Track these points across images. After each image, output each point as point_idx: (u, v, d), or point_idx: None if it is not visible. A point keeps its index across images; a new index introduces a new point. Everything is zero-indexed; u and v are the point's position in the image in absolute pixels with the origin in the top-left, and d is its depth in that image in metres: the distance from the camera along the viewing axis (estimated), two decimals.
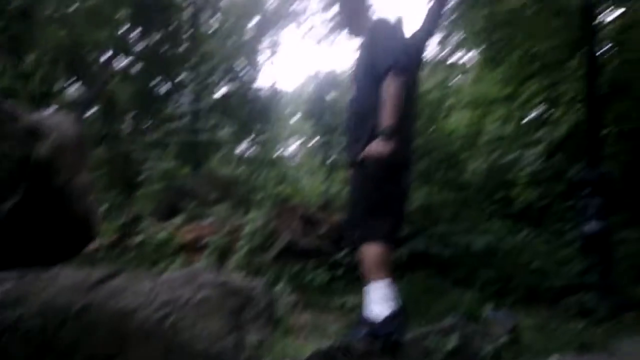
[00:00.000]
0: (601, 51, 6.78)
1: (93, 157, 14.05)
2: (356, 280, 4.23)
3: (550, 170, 7.57)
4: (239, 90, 16.78)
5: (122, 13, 15.58)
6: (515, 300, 4.00)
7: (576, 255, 4.61)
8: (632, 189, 6.60)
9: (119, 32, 15.27)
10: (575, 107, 7.12)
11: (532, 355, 2.97)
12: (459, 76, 17.16)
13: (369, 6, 3.17)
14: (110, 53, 16.29)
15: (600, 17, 8.21)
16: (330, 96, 8.80)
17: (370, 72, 2.87)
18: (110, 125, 15.45)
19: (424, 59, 6.92)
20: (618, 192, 6.41)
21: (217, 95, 14.95)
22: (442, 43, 16.50)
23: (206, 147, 11.49)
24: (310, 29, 17.54)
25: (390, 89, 2.76)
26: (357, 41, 3.27)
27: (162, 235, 5.51)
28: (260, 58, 19.42)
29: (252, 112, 16.19)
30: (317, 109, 8.59)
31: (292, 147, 23.29)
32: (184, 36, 16.36)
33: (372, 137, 2.81)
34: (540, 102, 8.36)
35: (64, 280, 2.45)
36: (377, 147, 2.73)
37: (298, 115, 17.94)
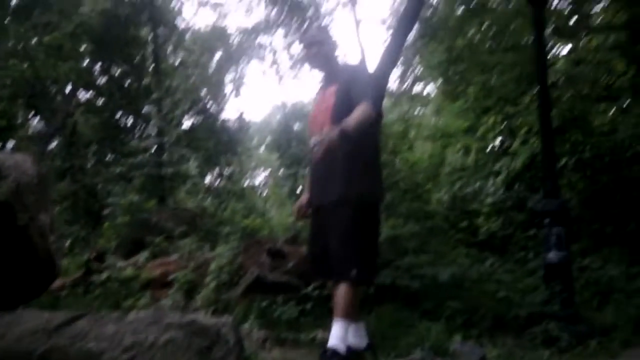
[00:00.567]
0: (553, 85, 7.08)
1: (56, 190, 13.81)
2: (326, 314, 4.23)
3: (511, 200, 7.77)
4: (204, 123, 16.79)
5: (84, 47, 15.52)
6: (481, 331, 4.04)
7: (540, 284, 4.70)
8: (590, 217, 6.81)
9: (81, 66, 15.18)
10: (531, 140, 7.36)
11: None
12: (421, 108, 17.62)
13: (337, 47, 3.26)
14: (72, 86, 16.15)
15: (551, 53, 8.60)
16: (297, 127, 8.87)
17: (347, 114, 2.87)
18: (73, 158, 15.23)
19: (385, 94, 7.09)
20: (577, 221, 6.61)
21: (183, 127, 14.91)
22: (402, 76, 17.03)
23: (172, 180, 11.41)
24: (274, 62, 17.86)
25: (361, 108, 2.85)
26: (321, 75, 3.29)
27: (127, 271, 5.41)
28: (226, 90, 19.59)
29: (218, 144, 16.21)
30: (284, 140, 8.66)
31: (259, 178, 23.31)
32: (148, 70, 16.37)
33: (345, 180, 2.87)
34: (498, 134, 8.61)
35: (26, 323, 2.40)
36: (331, 133, 2.74)
37: (264, 147, 18.00)
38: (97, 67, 16.52)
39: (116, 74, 16.59)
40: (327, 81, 3.16)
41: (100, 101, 17.07)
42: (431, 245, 5.43)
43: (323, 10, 15.86)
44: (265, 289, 4.99)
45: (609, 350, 3.85)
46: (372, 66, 7.29)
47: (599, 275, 5.37)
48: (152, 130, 11.36)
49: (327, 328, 2.95)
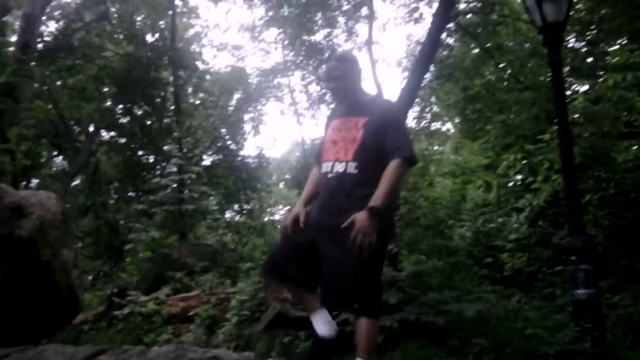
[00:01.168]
0: (573, 123, 7.06)
1: (79, 226, 13.98)
2: (349, 350, 4.15)
3: (535, 237, 7.65)
4: (224, 160, 16.99)
5: (107, 89, 15.93)
6: None
7: (568, 321, 4.57)
8: (617, 254, 6.67)
9: (104, 107, 15.55)
10: (553, 176, 7.30)
11: None
12: (439, 146, 17.67)
13: (361, 74, 3.24)
14: (94, 126, 16.52)
15: (569, 91, 8.61)
16: None
17: (374, 149, 2.84)
18: (95, 196, 15.47)
19: None
20: (604, 257, 6.47)
21: (203, 165, 15.09)
22: (420, 114, 17.18)
23: (192, 217, 11.47)
24: (293, 102, 18.14)
25: (396, 173, 2.77)
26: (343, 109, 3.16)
27: (149, 306, 5.40)
28: (245, 129, 19.85)
29: (238, 181, 16.36)
30: (303, 177, 8.67)
31: (279, 214, 23.31)
32: (169, 110, 16.72)
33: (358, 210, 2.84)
34: (519, 171, 8.56)
35: (49, 358, 2.38)
36: (364, 220, 2.65)
37: (284, 183, 18.08)
38: (120, 107, 16.92)
39: (138, 114, 16.96)
40: (352, 109, 3.03)
41: (122, 140, 17.42)
42: (455, 281, 5.35)
43: (339, 51, 16.15)
44: (287, 324, 4.94)
45: None
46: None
47: (629, 312, 5.21)
48: (172, 167, 11.48)
49: None
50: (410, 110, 9.83)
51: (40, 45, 14.26)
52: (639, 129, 7.36)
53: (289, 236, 2.92)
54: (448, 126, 19.68)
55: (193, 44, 19.51)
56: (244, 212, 17.00)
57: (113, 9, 15.77)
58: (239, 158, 17.57)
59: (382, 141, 2.85)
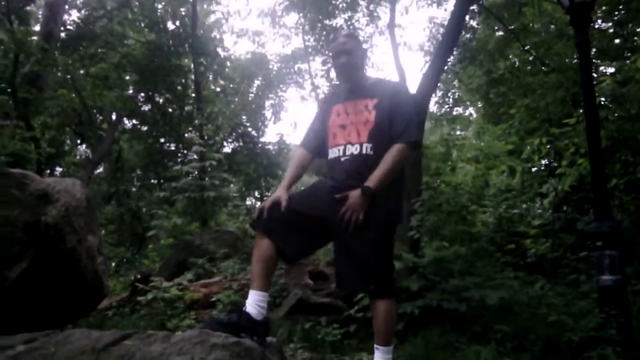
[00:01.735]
0: (599, 106, 6.91)
1: (102, 214, 14.20)
2: (369, 337, 4.16)
3: (559, 222, 7.55)
4: (244, 147, 17.04)
5: (129, 77, 16.05)
6: (533, 355, 3.89)
7: (593, 308, 4.51)
8: None
9: (126, 95, 15.68)
10: (579, 161, 7.17)
11: None
12: (462, 131, 17.48)
13: (366, 57, 3.19)
14: (117, 115, 16.69)
15: (596, 73, 8.42)
16: None
17: (387, 131, 2.82)
18: (118, 183, 15.68)
19: (426, 117, 7.09)
20: (630, 243, 6.36)
21: (224, 152, 15.15)
22: (442, 99, 16.99)
23: (213, 204, 11.55)
24: (314, 88, 18.07)
25: (397, 156, 2.77)
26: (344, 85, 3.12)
27: (172, 292, 5.46)
28: (265, 115, 19.88)
29: (259, 167, 16.41)
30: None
31: None
32: (190, 97, 16.79)
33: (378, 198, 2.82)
34: (543, 156, 8.42)
35: (74, 343, 2.41)
36: (355, 198, 2.67)
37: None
38: (141, 95, 17.05)
39: (159, 102, 17.07)
40: (358, 92, 2.99)
41: (144, 128, 17.57)
42: (477, 268, 5.31)
43: (361, 36, 16.03)
44: (308, 310, 4.96)
45: None
46: (412, 90, 7.31)
47: None
48: (193, 155, 11.55)
49: (372, 351, 2.86)
50: (433, 95, 9.70)
51: (63, 34, 14.41)
52: None
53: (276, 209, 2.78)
54: (470, 111, 19.48)
55: (214, 30, 19.52)
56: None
57: None
58: (260, 145, 17.61)
59: (391, 125, 2.83)
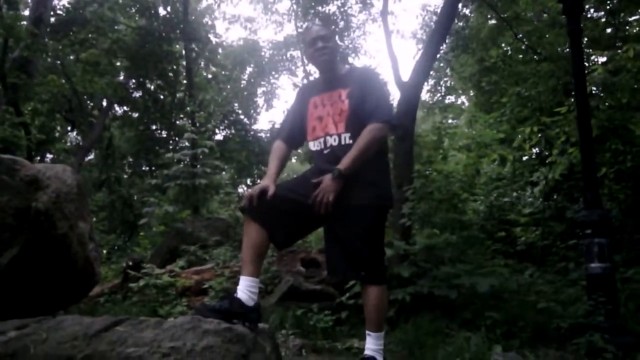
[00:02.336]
0: (591, 95, 6.94)
1: (93, 201, 14.14)
2: (361, 324, 4.19)
3: (550, 211, 7.61)
4: (236, 134, 16.99)
5: (120, 63, 15.92)
6: (522, 341, 3.93)
7: (582, 295, 4.56)
8: (632, 228, 6.61)
9: (117, 81, 15.56)
10: (569, 150, 7.21)
11: None
12: (454, 119, 17.49)
13: (339, 48, 3.16)
14: (108, 101, 16.57)
15: (587, 62, 8.44)
16: None
17: (363, 117, 2.80)
18: (109, 170, 15.60)
19: (418, 105, 7.09)
20: (619, 231, 6.42)
21: (215, 139, 15.09)
22: (434, 87, 17.00)
23: (205, 191, 11.51)
24: (306, 75, 17.99)
25: (368, 136, 2.75)
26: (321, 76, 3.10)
27: (164, 279, 5.46)
28: (257, 103, 19.80)
29: (251, 155, 16.38)
30: None
31: None
32: (181, 84, 16.69)
33: (369, 184, 2.83)
34: (534, 144, 8.46)
35: (66, 329, 2.40)
36: (327, 181, 2.67)
37: (296, 158, 18.03)
38: (132, 82, 16.93)
39: (151, 89, 16.95)
40: (332, 83, 2.98)
41: (135, 115, 17.46)
42: (468, 255, 5.34)
43: (354, 23, 15.97)
44: (300, 297, 4.99)
45: None
46: (404, 78, 7.31)
47: None
48: (185, 142, 11.51)
49: (363, 337, 2.89)
50: (425, 83, 9.68)
51: (53, 19, 14.24)
52: None
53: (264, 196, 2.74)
54: (463, 99, 19.50)
55: (205, 16, 19.35)
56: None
57: None
58: (252, 132, 17.57)
59: (365, 110, 2.83)
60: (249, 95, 19.36)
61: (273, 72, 19.36)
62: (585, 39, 8.76)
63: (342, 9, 14.93)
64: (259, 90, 19.74)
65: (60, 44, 13.64)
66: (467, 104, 18.41)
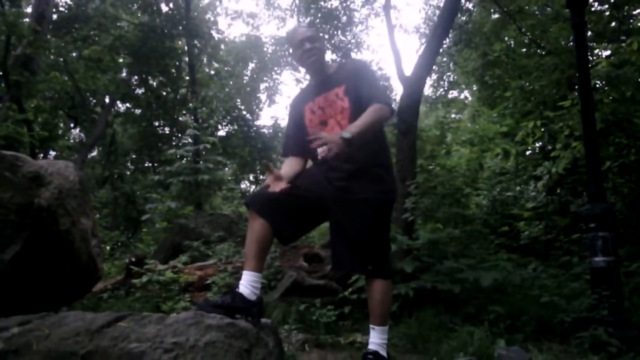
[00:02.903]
0: (594, 88, 6.92)
1: (96, 198, 14.17)
2: (364, 318, 4.18)
3: (553, 205, 7.59)
4: (239, 130, 16.99)
5: (122, 59, 15.92)
6: (526, 336, 3.93)
7: (585, 289, 4.55)
8: (636, 222, 6.59)
9: (120, 78, 15.56)
10: (573, 144, 7.18)
11: None
12: (457, 114, 17.47)
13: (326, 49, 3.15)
14: (110, 98, 16.58)
15: (591, 56, 8.41)
16: None
17: (361, 112, 2.74)
18: (112, 167, 15.63)
19: (421, 100, 7.06)
20: (623, 225, 6.40)
21: (218, 135, 15.10)
22: (437, 82, 16.95)
23: (208, 187, 11.53)
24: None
25: (378, 114, 2.70)
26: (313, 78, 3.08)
27: (167, 275, 5.46)
28: (260, 98, 19.79)
29: (253, 151, 16.38)
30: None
31: None
32: (184, 80, 16.69)
33: (377, 178, 2.82)
34: (538, 138, 8.44)
35: (68, 325, 2.41)
36: (335, 139, 2.52)
37: None
38: (135, 78, 16.93)
39: (153, 85, 16.95)
40: (325, 85, 2.96)
41: (138, 111, 17.47)
42: (471, 250, 5.33)
43: (356, 18, 15.93)
44: (303, 292, 4.98)
45: None
46: (407, 72, 7.28)
47: None
48: (188, 138, 11.51)
49: (366, 331, 2.88)
50: (428, 78, 9.65)
51: (55, 16, 14.23)
52: None
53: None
54: (466, 94, 19.46)
55: (207, 12, 19.34)
56: (260, 182, 17.06)
57: None
58: (254, 128, 17.56)
59: (364, 104, 2.80)
60: (252, 91, 19.35)
61: (275, 68, 19.35)
62: (589, 33, 8.71)
63: (344, 4, 14.88)
64: (262, 86, 19.75)
65: (63, 41, 13.62)
66: (470, 98, 18.38)
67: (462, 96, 19.32)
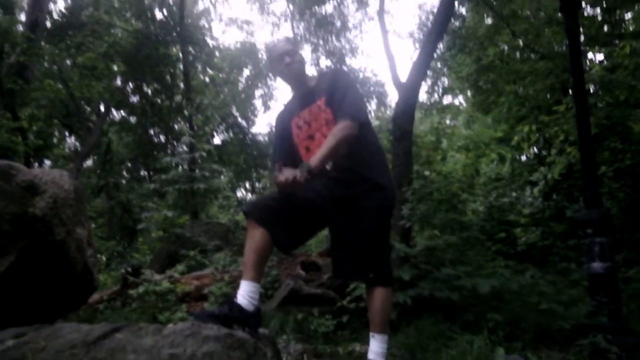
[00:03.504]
0: (589, 93, 6.93)
1: (92, 207, 14.09)
2: (362, 327, 4.16)
3: (549, 210, 7.60)
4: (234, 138, 16.97)
5: (117, 67, 15.89)
6: (525, 343, 3.91)
7: (584, 296, 4.54)
8: (632, 227, 6.60)
9: (114, 85, 15.53)
10: (568, 149, 7.20)
11: None
12: (452, 120, 17.51)
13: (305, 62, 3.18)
14: (105, 106, 16.53)
15: (585, 60, 8.45)
16: None
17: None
18: (108, 176, 15.55)
19: (415, 106, 7.07)
20: (619, 230, 6.40)
21: (213, 143, 15.08)
22: (432, 88, 17.02)
23: (204, 195, 11.49)
24: None
25: (336, 135, 2.71)
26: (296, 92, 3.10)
27: (163, 285, 5.42)
28: (255, 105, 19.80)
29: (249, 158, 16.37)
30: None
31: None
32: (179, 88, 16.66)
33: (367, 183, 2.81)
34: (533, 144, 8.46)
35: (64, 337, 2.38)
36: (296, 171, 2.55)
37: None
38: (129, 86, 16.89)
39: (148, 93, 16.92)
40: (307, 98, 2.98)
41: (133, 119, 17.43)
42: (469, 257, 5.32)
43: (350, 23, 15.99)
44: (300, 301, 4.96)
45: None
46: (402, 78, 7.30)
47: None
48: (183, 146, 11.49)
49: (365, 341, 2.86)
50: (422, 83, 9.67)
51: (49, 23, 14.20)
52: None
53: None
54: (460, 100, 19.53)
55: (202, 19, 19.36)
56: (256, 190, 17.05)
57: None
58: (250, 135, 17.56)
59: (336, 101, 2.82)
60: (247, 98, 19.36)
61: (270, 75, 19.36)
62: (582, 37, 8.76)
63: (337, 10, 14.94)
64: (257, 93, 19.75)
65: (57, 48, 13.59)
66: (464, 104, 18.44)
67: (456, 102, 19.40)
